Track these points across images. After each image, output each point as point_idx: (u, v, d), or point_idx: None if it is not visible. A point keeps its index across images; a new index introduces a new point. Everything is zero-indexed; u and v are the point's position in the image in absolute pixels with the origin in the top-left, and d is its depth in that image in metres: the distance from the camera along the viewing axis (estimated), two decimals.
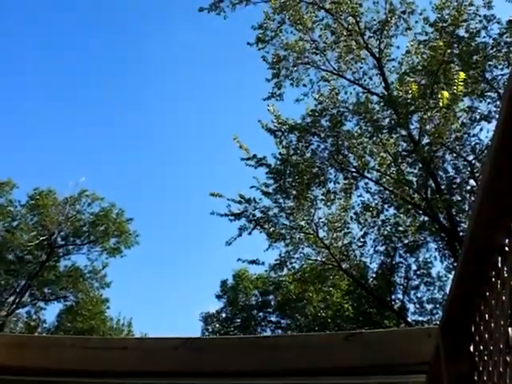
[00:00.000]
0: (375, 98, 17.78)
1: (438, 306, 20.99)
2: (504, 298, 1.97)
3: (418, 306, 21.49)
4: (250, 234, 17.62)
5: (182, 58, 34.59)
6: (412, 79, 16.10)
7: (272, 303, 29.14)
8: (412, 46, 17.53)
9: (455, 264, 16.17)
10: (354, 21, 17.96)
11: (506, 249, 1.93)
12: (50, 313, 36.43)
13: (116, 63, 35.81)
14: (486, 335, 2.22)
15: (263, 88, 18.27)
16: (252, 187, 17.42)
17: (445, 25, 16.53)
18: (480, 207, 1.86)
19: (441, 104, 15.06)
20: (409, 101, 15.90)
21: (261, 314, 29.47)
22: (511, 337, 1.92)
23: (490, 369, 2.17)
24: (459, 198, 17.51)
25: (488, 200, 1.81)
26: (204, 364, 3.33)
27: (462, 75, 14.50)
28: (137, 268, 34.61)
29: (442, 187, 17.19)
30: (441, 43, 15.71)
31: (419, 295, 21.47)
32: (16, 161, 32.87)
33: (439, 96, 15.06)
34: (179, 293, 38.09)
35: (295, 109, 26.11)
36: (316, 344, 3.36)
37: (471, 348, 2.45)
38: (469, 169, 17.11)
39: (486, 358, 2.25)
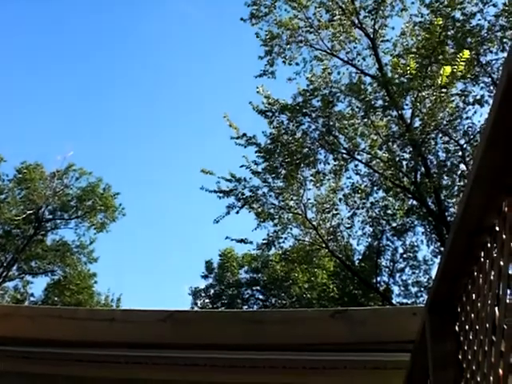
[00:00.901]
0: (368, 80, 17.74)
1: (422, 289, 21.15)
2: (492, 277, 1.98)
3: (402, 288, 21.66)
4: (237, 213, 17.67)
5: (173, 34, 34.29)
6: (410, 56, 15.99)
7: (259, 282, 29.28)
8: (407, 27, 17.45)
9: (442, 248, 16.29)
10: None
11: (497, 228, 1.93)
12: (38, 287, 36.42)
13: (105, 37, 35.51)
14: (473, 315, 2.24)
15: (255, 67, 18.19)
16: (242, 166, 17.42)
17: (441, 6, 16.43)
18: (472, 186, 1.86)
19: (439, 81, 14.99)
20: (404, 79, 15.85)
21: (248, 291, 29.63)
22: (498, 316, 1.93)
23: (475, 348, 2.18)
24: (449, 183, 17.58)
25: (480, 179, 1.81)
26: (191, 336, 3.33)
27: (466, 54, 14.37)
28: (125, 244, 34.63)
29: (432, 171, 17.22)
30: (437, 24, 15.61)
31: (404, 278, 21.63)
32: (2, 134, 32.62)
33: (440, 72, 14.96)
34: (167, 269, 38.12)
35: (286, 89, 26.03)
36: (302, 320, 3.37)
37: (457, 327, 2.47)
38: (460, 153, 17.12)
39: (471, 337, 2.26)
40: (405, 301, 21.26)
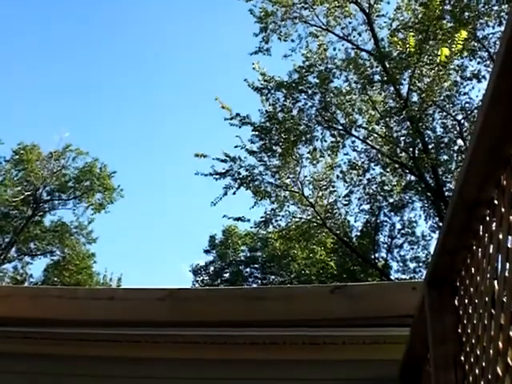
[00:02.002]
0: (364, 55, 17.65)
1: (421, 264, 21.20)
2: (491, 251, 1.98)
3: (401, 264, 21.71)
4: (234, 193, 17.66)
5: (165, 14, 33.98)
6: (410, 34, 15.89)
7: (259, 260, 29.35)
8: (403, 1, 17.33)
9: (440, 223, 16.33)
10: None
11: (495, 202, 1.93)
12: (37, 268, 36.46)
13: (101, 23, 35.20)
14: (472, 289, 2.24)
15: (248, 46, 18.06)
16: (236, 147, 17.39)
17: None
18: (470, 160, 1.86)
19: (438, 60, 14.93)
20: (403, 55, 15.78)
21: (248, 269, 29.72)
22: (497, 290, 1.93)
23: (475, 322, 2.19)
24: (446, 158, 17.57)
25: (479, 152, 1.80)
26: (191, 314, 3.35)
27: (464, 34, 14.32)
28: (124, 223, 34.63)
29: (430, 147, 17.21)
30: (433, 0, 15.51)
31: (403, 254, 21.67)
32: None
33: (438, 52, 14.91)
34: (168, 248, 38.20)
35: (282, 66, 25.88)
36: (302, 296, 3.38)
37: (456, 301, 2.47)
38: (457, 128, 17.11)
39: (470, 311, 2.27)
40: (403, 276, 21.34)
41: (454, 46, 14.54)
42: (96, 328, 3.43)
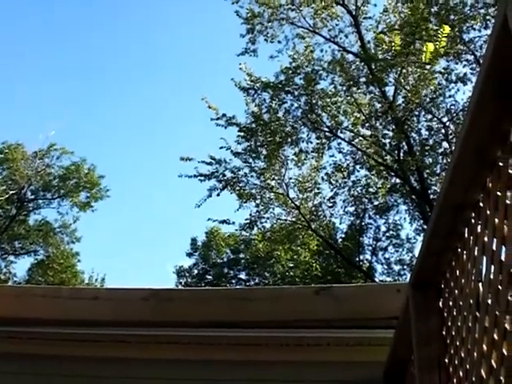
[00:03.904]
0: (351, 57, 17.70)
1: (405, 267, 21.27)
2: (476, 253, 1.99)
3: (385, 266, 21.76)
4: (218, 195, 17.61)
5: (154, 14, 33.85)
6: (396, 33, 15.94)
7: (242, 261, 29.31)
8: (390, 4, 17.41)
9: (425, 226, 16.39)
10: None
11: (481, 205, 1.93)
12: (21, 267, 36.12)
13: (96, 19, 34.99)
14: (456, 291, 2.24)
15: (234, 47, 18.07)
16: (221, 148, 17.34)
17: None
18: (456, 162, 1.86)
19: (423, 58, 15.00)
20: (388, 56, 15.84)
21: (231, 272, 29.66)
22: (481, 292, 1.94)
23: (459, 324, 2.19)
24: (431, 161, 17.66)
25: (465, 154, 1.81)
26: (174, 314, 3.33)
27: (447, 29, 14.37)
28: (108, 224, 34.44)
29: (415, 149, 17.29)
30: (420, 1, 15.59)
31: (387, 256, 21.72)
32: None
33: (423, 49, 14.97)
34: (154, 248, 38.01)
35: (268, 67, 25.84)
36: (287, 297, 3.38)
37: (440, 304, 2.48)
38: (443, 131, 17.20)
39: (455, 313, 2.27)
40: (388, 279, 21.38)
41: (438, 43, 14.57)
42: (80, 328, 3.41)
